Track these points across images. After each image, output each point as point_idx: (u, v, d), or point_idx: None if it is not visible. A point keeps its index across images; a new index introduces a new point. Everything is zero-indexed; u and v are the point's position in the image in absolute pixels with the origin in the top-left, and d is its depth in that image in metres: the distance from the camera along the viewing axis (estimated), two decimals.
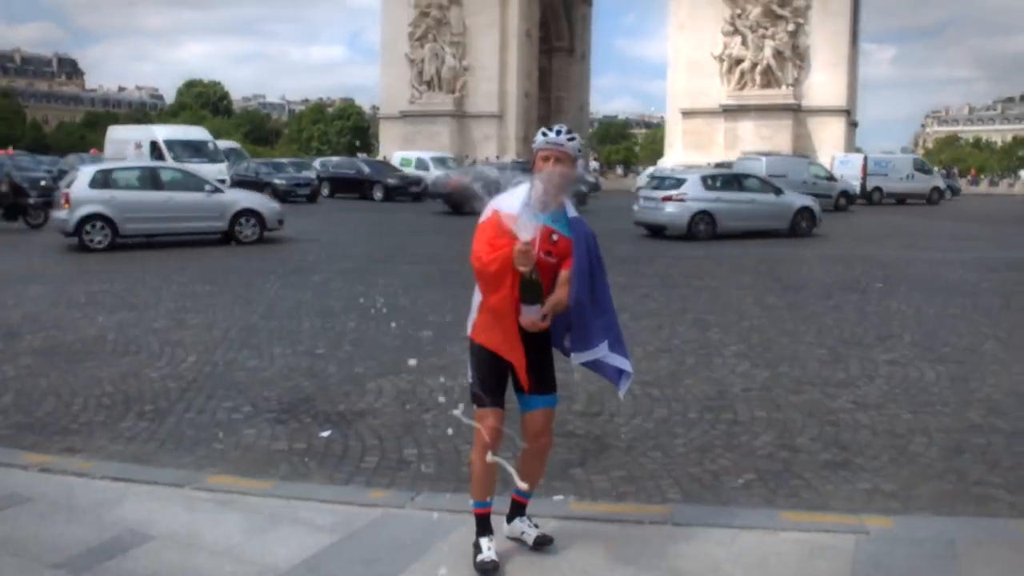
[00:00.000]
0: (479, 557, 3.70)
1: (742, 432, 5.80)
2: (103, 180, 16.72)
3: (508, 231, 3.44)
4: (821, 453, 5.40)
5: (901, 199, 38.25)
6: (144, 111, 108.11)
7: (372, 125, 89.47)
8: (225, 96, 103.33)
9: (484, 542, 3.73)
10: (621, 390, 3.85)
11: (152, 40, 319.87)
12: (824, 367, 7.58)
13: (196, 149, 29.40)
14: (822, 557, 3.88)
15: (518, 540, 3.94)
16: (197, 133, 32.83)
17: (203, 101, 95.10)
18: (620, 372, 3.78)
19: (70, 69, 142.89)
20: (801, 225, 21.04)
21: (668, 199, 20.06)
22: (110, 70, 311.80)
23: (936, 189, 39.74)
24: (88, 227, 16.12)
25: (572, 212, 3.66)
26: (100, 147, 53.28)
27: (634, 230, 21.10)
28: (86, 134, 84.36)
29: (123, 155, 30.40)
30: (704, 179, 20.91)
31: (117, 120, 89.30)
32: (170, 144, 28.80)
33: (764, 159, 32.90)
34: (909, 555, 3.91)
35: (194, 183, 17.91)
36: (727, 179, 21.96)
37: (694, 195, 19.98)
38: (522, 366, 3.57)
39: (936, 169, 48.33)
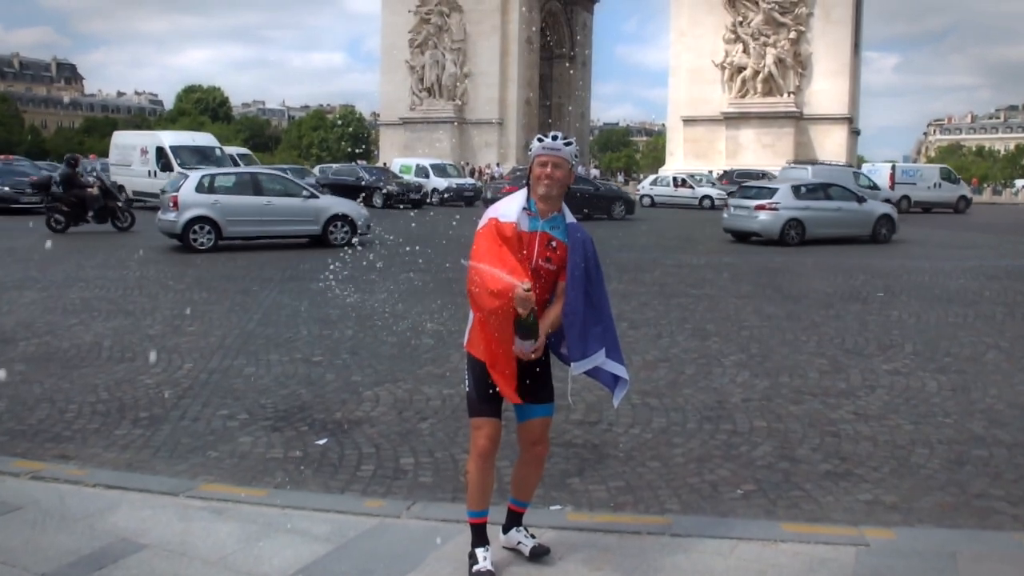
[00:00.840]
0: (475, 568, 3.66)
1: (741, 442, 5.75)
2: (208, 185, 17.69)
3: (508, 238, 3.42)
4: (821, 464, 5.36)
5: (928, 208, 38.53)
6: (143, 116, 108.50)
7: (372, 132, 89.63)
8: (225, 102, 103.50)
9: (480, 552, 3.69)
10: (616, 398, 3.81)
11: (152, 46, 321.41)
12: (824, 377, 7.53)
13: (203, 155, 29.05)
14: (822, 569, 3.83)
15: (514, 550, 3.90)
16: (204, 139, 32.52)
17: (202, 107, 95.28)
18: (616, 380, 3.75)
19: (69, 74, 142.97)
20: (881, 232, 22.19)
21: (762, 208, 21.33)
22: (110, 75, 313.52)
23: (963, 198, 40.15)
24: (194, 229, 17.01)
25: (570, 218, 3.64)
26: (100, 152, 53.50)
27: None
28: (84, 139, 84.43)
29: (128, 161, 30.51)
30: (795, 188, 22.27)
31: (116, 125, 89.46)
32: (176, 150, 28.54)
33: (810, 168, 33.78)
34: (910, 568, 3.86)
35: (291, 189, 18.91)
36: (814, 188, 23.15)
37: (786, 204, 21.31)
38: (510, 388, 3.54)
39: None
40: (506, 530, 3.94)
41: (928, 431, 6.01)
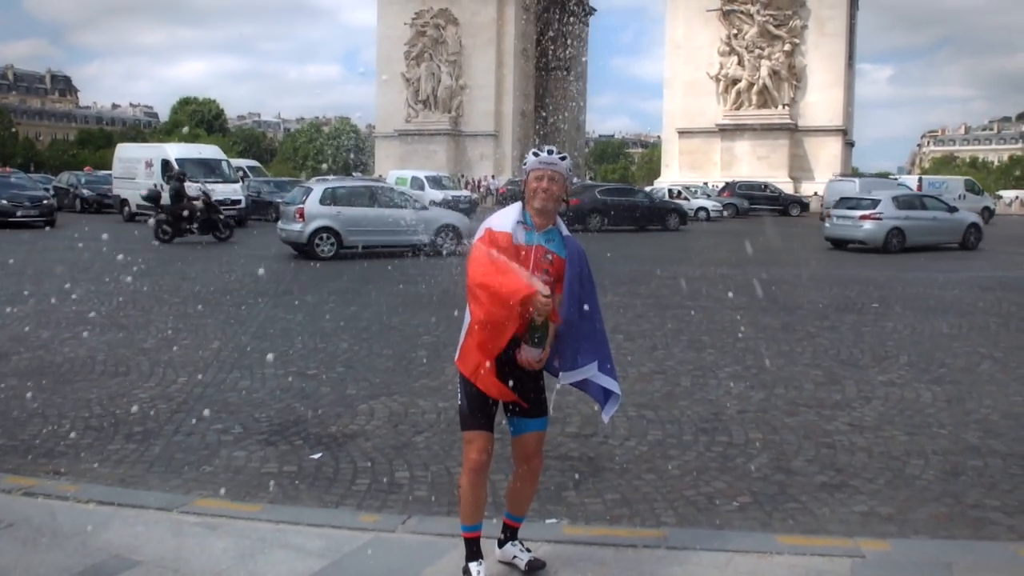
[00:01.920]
0: None
1: (737, 454, 5.75)
2: (331, 197, 19.04)
3: (503, 249, 3.45)
4: (817, 475, 5.35)
5: None
6: (138, 129, 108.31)
7: (368, 144, 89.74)
8: (220, 114, 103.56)
9: (474, 567, 3.68)
10: (606, 414, 3.81)
11: (148, 58, 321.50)
12: (820, 388, 7.53)
13: (210, 168, 28.97)
14: None
15: (510, 565, 3.89)
16: (210, 152, 32.14)
17: (198, 119, 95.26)
18: (608, 394, 3.75)
19: (63, 86, 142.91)
20: (970, 239, 24.07)
21: (866, 217, 22.97)
22: (105, 88, 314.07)
23: (986, 209, 40.76)
24: (319, 239, 18.38)
25: (565, 231, 3.65)
26: (96, 165, 53.45)
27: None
28: (79, 152, 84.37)
29: (132, 174, 30.21)
30: (895, 199, 23.99)
31: (111, 138, 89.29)
32: (182, 163, 28.25)
33: (857, 180, 35.42)
34: None
35: (405, 201, 20.40)
36: (910, 199, 25.22)
37: (888, 214, 22.93)
38: (498, 389, 3.54)
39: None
40: (501, 544, 3.93)
41: (923, 442, 6.01)
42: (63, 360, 8.29)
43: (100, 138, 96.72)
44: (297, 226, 18.53)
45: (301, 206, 18.60)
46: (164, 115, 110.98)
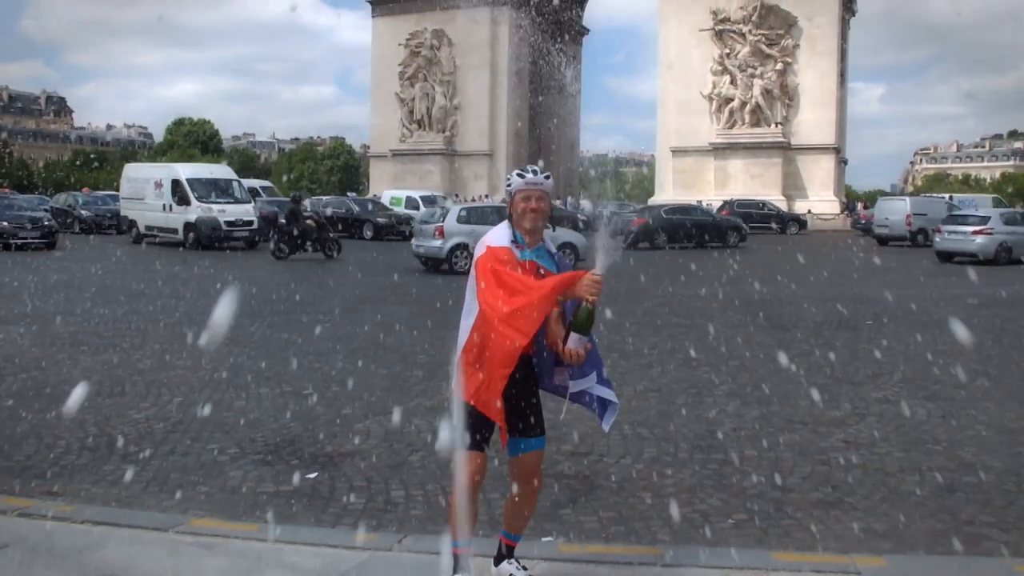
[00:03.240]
0: None
1: (732, 472, 5.76)
2: (467, 216, 21.43)
3: (505, 262, 3.49)
4: (812, 492, 5.36)
5: None
6: (133, 149, 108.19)
7: (362, 164, 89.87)
8: (215, 135, 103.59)
9: None
10: (606, 424, 3.82)
11: (142, 79, 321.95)
12: (815, 406, 7.55)
13: (221, 189, 28.50)
14: None
15: None
16: (222, 172, 31.56)
17: (192, 139, 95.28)
18: (606, 405, 3.78)
19: (58, 107, 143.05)
20: None
21: (979, 232, 25.33)
22: (99, 108, 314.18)
23: None
24: (455, 254, 20.30)
25: (552, 247, 3.71)
26: (92, 186, 53.42)
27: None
28: (73, 172, 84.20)
29: (141, 194, 29.61)
30: (1001, 215, 26.82)
31: (106, 158, 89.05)
32: (192, 183, 27.92)
33: (908, 199, 37.78)
34: None
35: None
36: (1013, 216, 27.85)
37: (998, 229, 25.62)
38: (501, 420, 3.54)
39: None
40: (497, 562, 3.92)
41: (918, 458, 6.03)
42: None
43: (95, 159, 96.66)
44: (437, 243, 20.62)
45: (441, 224, 20.80)
46: (159, 136, 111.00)
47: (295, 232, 23.44)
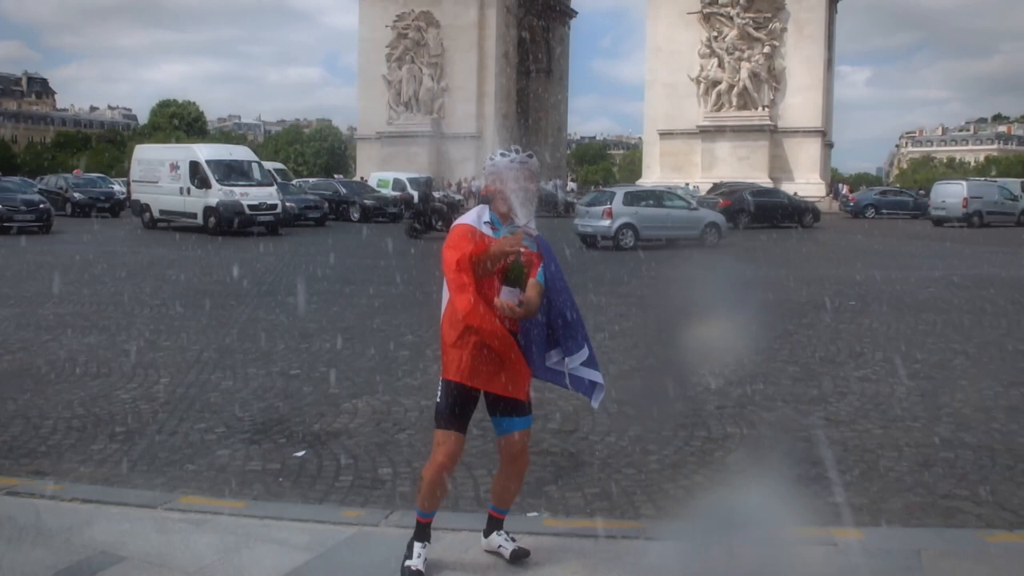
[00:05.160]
0: (406, 563, 3.77)
1: (715, 448, 5.84)
2: (631, 199, 23.98)
3: (464, 235, 3.58)
4: (792, 469, 5.45)
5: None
6: (117, 131, 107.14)
7: (349, 146, 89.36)
8: (200, 116, 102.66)
9: (417, 547, 3.80)
10: (595, 401, 3.91)
11: (126, 61, 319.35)
12: (797, 384, 7.65)
13: (240, 172, 26.82)
14: (790, 569, 3.91)
15: (495, 553, 3.98)
16: (241, 153, 29.63)
17: (177, 122, 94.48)
18: (594, 385, 3.87)
19: (40, 88, 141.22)
20: None
21: None
22: (82, 90, 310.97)
23: None
24: (621, 232, 22.91)
25: (534, 229, 3.75)
26: (75, 168, 52.79)
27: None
28: (56, 154, 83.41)
29: (154, 177, 27.54)
30: None
31: (89, 140, 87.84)
32: (212, 164, 26.19)
33: (964, 183, 38.56)
34: (877, 565, 3.96)
35: (682, 203, 25.49)
36: None
37: None
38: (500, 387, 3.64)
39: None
40: (487, 534, 4.03)
41: (897, 435, 6.13)
42: None
43: (78, 141, 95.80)
44: (605, 222, 23.11)
45: (609, 207, 23.27)
46: (143, 118, 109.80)
47: (428, 212, 25.71)
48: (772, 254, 22.66)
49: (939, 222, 35.80)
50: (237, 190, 25.72)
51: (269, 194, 26.52)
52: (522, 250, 3.44)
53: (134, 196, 29.58)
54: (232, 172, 26.55)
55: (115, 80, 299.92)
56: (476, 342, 3.57)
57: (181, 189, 26.51)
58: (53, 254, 19.51)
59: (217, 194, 25.54)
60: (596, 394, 3.89)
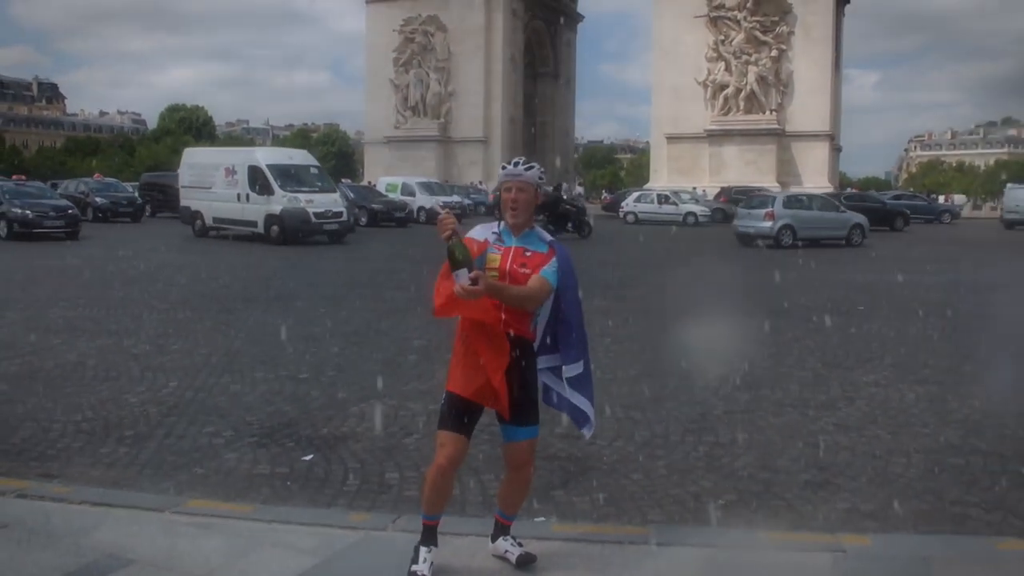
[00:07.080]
0: (413, 567, 3.76)
1: (723, 454, 5.83)
2: (790, 202, 26.93)
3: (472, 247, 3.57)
4: (801, 474, 5.43)
5: None
6: (126, 136, 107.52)
7: (356, 151, 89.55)
8: (208, 121, 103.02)
9: (423, 552, 3.80)
10: (587, 431, 3.94)
11: (134, 65, 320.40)
12: (805, 389, 7.63)
13: (300, 178, 25.08)
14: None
15: (502, 558, 3.98)
16: (301, 157, 27.50)
17: (186, 126, 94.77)
18: (584, 415, 3.88)
19: (50, 93, 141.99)
20: None
21: None
22: (91, 95, 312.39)
23: None
24: (782, 232, 25.32)
25: (546, 236, 3.80)
26: (87, 172, 52.89)
27: None
28: (67, 159, 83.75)
29: (208, 183, 25.81)
30: None
31: (99, 145, 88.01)
32: (273, 169, 24.48)
33: None
34: (885, 572, 3.93)
35: (831, 205, 28.73)
36: None
37: None
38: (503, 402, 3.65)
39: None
40: (494, 539, 4.03)
41: (906, 441, 6.10)
42: None
43: (88, 145, 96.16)
44: (767, 224, 25.47)
45: (771, 209, 25.72)
46: (152, 122, 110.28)
47: (558, 215, 26.76)
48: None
49: (1010, 225, 37.85)
50: (302, 196, 24.13)
51: (334, 200, 25.06)
52: (451, 231, 3.39)
53: (184, 202, 27.63)
54: (294, 177, 24.91)
55: (124, 85, 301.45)
56: (469, 355, 3.63)
57: (239, 195, 24.78)
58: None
59: (281, 201, 23.85)
60: (587, 426, 3.90)
